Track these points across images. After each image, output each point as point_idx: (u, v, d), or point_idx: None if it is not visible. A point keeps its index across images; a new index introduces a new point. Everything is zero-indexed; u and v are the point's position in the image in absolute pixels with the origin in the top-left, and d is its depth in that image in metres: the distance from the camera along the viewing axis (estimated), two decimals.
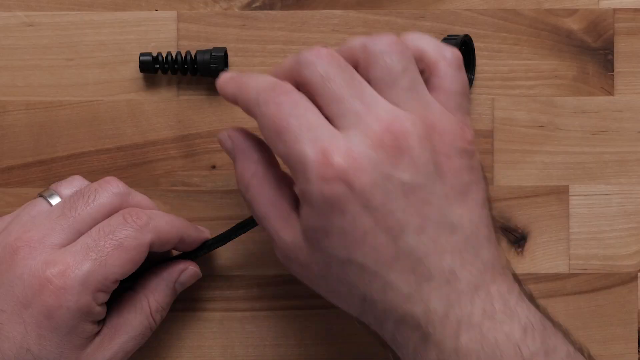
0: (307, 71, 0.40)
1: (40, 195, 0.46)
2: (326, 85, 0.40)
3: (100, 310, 0.43)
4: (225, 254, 0.51)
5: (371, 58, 0.41)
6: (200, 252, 0.48)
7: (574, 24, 0.51)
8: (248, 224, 0.48)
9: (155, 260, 0.48)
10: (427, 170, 0.39)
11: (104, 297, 0.43)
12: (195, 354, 0.51)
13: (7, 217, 0.47)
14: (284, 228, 0.42)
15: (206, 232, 0.48)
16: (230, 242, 0.48)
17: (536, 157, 0.51)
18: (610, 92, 0.51)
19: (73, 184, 0.47)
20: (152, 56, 0.49)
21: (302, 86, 0.41)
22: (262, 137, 0.42)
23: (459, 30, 0.51)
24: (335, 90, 0.40)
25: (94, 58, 0.51)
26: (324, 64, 0.40)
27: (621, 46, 0.51)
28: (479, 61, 0.51)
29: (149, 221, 0.44)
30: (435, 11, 0.51)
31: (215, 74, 0.47)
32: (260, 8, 0.51)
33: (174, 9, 0.51)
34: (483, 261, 0.40)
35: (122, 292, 0.46)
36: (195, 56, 0.49)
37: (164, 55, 0.49)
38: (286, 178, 0.43)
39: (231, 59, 0.51)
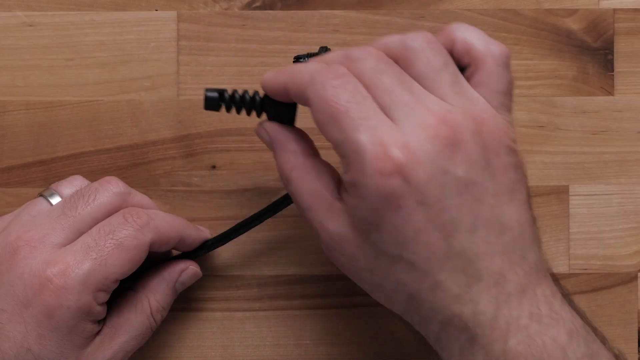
0: (358, 64, 0.40)
1: (41, 195, 0.46)
2: (378, 77, 0.39)
3: (100, 310, 0.43)
4: (225, 254, 0.51)
5: (412, 54, 0.40)
6: (201, 252, 0.48)
7: (574, 24, 0.51)
8: (248, 224, 0.48)
9: (155, 260, 0.48)
10: (479, 166, 0.39)
11: (104, 297, 0.43)
12: (195, 354, 0.51)
13: (7, 216, 0.47)
14: (329, 218, 0.40)
15: (206, 232, 0.48)
16: (230, 242, 0.48)
17: (536, 157, 0.51)
18: (610, 92, 0.51)
19: (73, 184, 0.47)
20: (219, 92, 0.44)
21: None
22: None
23: None
24: (387, 82, 0.39)
25: (94, 58, 0.51)
26: (373, 58, 0.40)
27: (621, 46, 0.51)
28: None
29: (149, 221, 0.44)
30: (435, 11, 0.51)
31: (284, 121, 0.44)
32: (260, 8, 0.51)
33: (174, 9, 0.51)
34: (529, 263, 0.39)
35: (122, 291, 0.46)
36: (263, 99, 0.44)
37: (230, 93, 0.45)
38: (327, 167, 0.42)
39: (230, 59, 0.51)
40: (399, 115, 0.38)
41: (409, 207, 0.38)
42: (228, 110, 0.45)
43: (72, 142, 0.51)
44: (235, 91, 0.44)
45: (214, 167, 0.51)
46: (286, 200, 0.47)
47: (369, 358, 0.51)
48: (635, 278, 0.51)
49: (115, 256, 0.43)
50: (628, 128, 0.51)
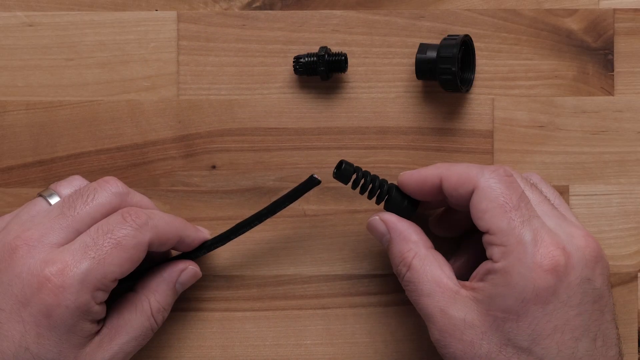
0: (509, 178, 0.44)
1: (40, 195, 0.46)
2: (530, 190, 0.44)
3: (98, 310, 0.43)
4: (225, 254, 0.51)
5: (537, 182, 0.46)
6: (200, 252, 0.48)
7: (574, 24, 0.51)
8: (247, 224, 0.47)
9: (155, 261, 0.48)
10: (606, 283, 0.43)
11: (102, 296, 0.43)
12: (195, 354, 0.51)
13: (6, 216, 0.47)
14: (452, 305, 0.43)
15: (205, 232, 0.48)
16: (230, 242, 0.48)
17: (536, 157, 0.51)
18: (610, 92, 0.51)
19: (72, 184, 0.47)
20: (353, 167, 0.46)
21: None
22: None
23: (459, 30, 0.51)
24: (537, 195, 0.44)
25: (94, 58, 0.51)
26: (520, 175, 0.45)
27: (621, 46, 0.51)
28: (479, 61, 0.51)
29: (148, 220, 0.44)
30: (435, 11, 0.51)
31: (402, 214, 0.47)
32: (260, 8, 0.51)
33: (174, 9, 0.51)
34: None
35: (122, 292, 0.46)
36: (391, 188, 0.47)
37: (363, 172, 0.47)
38: (444, 259, 0.45)
39: (230, 59, 0.51)
40: (550, 224, 0.43)
41: (556, 304, 0.41)
42: (354, 186, 0.47)
43: (72, 142, 0.51)
44: (367, 172, 0.47)
45: (214, 167, 0.51)
46: (286, 201, 0.47)
47: (368, 358, 0.51)
48: (635, 278, 0.51)
49: (114, 255, 0.43)
50: (628, 128, 0.51)
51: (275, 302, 0.51)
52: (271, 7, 0.51)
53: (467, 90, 0.50)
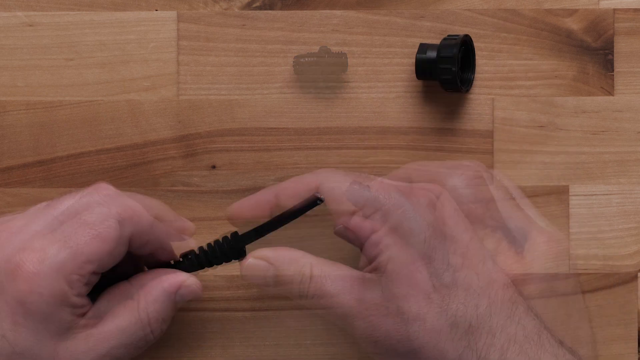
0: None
1: None
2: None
3: (78, 301, 0.43)
4: None
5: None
6: (193, 268, 0.47)
7: (573, 24, 0.51)
8: (238, 254, 0.47)
9: (152, 266, 0.47)
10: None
11: (79, 284, 0.42)
12: (195, 354, 0.51)
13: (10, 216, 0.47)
14: (366, 290, 0.44)
15: (191, 228, 0.48)
16: (230, 241, 0.48)
17: (536, 157, 0.51)
18: (610, 92, 0.51)
19: None
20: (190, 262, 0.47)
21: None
22: None
23: (459, 30, 0.51)
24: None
25: (94, 58, 0.51)
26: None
27: (621, 46, 0.51)
28: (479, 61, 0.51)
29: (117, 197, 0.44)
30: (435, 11, 0.51)
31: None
32: (260, 8, 0.51)
33: (174, 9, 0.51)
34: None
35: (122, 300, 0.45)
36: (224, 242, 0.46)
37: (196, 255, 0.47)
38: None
39: (230, 59, 0.51)
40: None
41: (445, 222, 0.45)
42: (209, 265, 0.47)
43: (72, 142, 0.51)
44: (193, 253, 0.47)
45: (214, 167, 0.51)
46: (288, 218, 0.46)
47: (368, 358, 0.51)
48: (635, 278, 0.51)
49: (80, 234, 0.42)
50: (628, 128, 0.51)
51: (275, 302, 0.51)
52: (271, 7, 0.51)
53: (467, 90, 0.50)
